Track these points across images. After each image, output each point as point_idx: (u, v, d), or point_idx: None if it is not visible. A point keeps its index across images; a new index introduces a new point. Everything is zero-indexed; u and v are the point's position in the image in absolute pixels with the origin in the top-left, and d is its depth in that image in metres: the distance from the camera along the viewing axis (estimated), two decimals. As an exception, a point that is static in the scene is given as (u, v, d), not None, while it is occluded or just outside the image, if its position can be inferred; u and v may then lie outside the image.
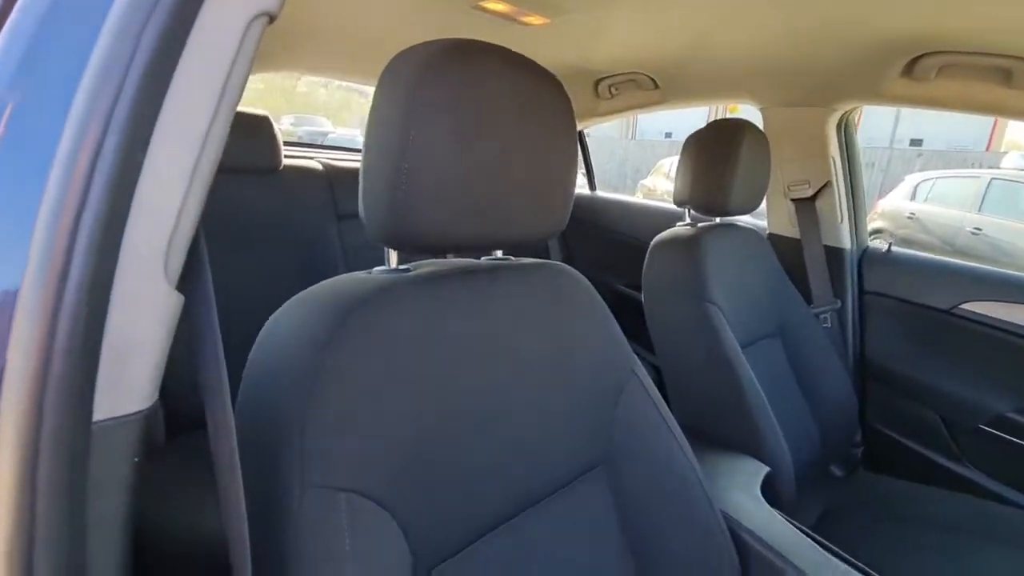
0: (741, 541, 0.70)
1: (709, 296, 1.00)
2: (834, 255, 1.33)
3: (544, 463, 0.59)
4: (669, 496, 0.66)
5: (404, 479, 0.46)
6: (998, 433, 1.14)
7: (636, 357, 0.69)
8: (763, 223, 1.48)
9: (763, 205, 1.18)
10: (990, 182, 5.71)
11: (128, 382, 0.27)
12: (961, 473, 1.19)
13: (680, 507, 0.66)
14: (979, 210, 5.62)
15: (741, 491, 0.80)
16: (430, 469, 0.48)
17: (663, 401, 0.69)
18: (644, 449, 0.66)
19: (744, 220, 1.31)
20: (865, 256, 1.35)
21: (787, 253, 1.33)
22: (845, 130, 1.30)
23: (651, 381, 0.69)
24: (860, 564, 0.66)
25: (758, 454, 0.93)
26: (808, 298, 1.34)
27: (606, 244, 1.89)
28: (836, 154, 1.27)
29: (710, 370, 1.00)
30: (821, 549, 0.68)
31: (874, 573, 0.67)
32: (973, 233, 5.50)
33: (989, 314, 1.14)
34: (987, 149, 9.85)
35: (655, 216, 1.72)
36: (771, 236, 1.44)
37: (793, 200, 1.36)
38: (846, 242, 1.33)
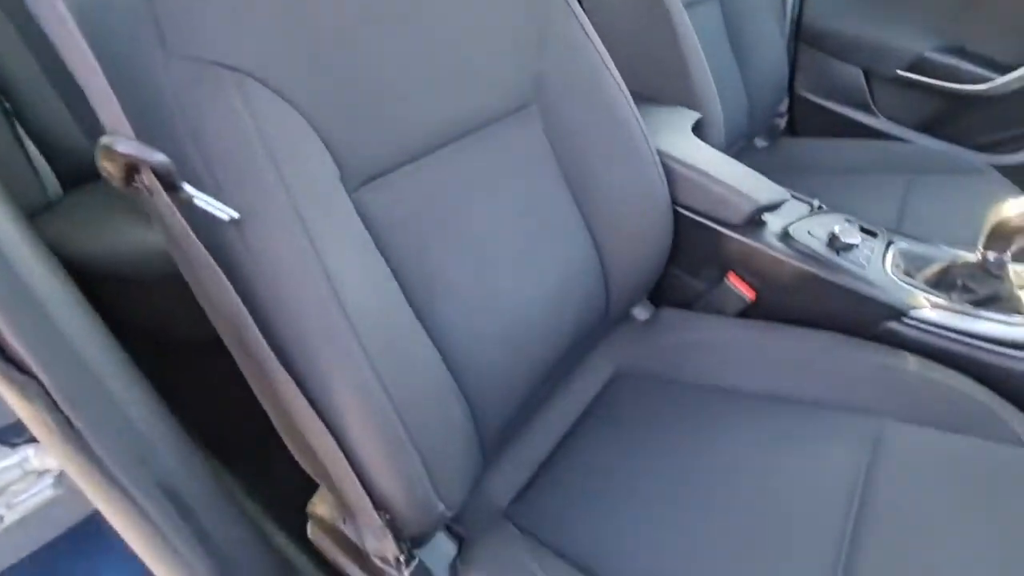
0: (670, 169, 0.73)
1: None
2: None
3: (472, 91, 0.55)
4: (608, 135, 0.65)
5: (314, 78, 0.41)
6: (914, 76, 1.18)
7: None
8: None
9: None
10: None
11: None
12: (874, 126, 1.27)
13: (619, 147, 0.66)
14: None
15: (674, 131, 0.81)
16: (345, 71, 0.43)
17: (601, 43, 0.64)
18: (582, 90, 0.63)
19: None
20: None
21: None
22: None
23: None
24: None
25: (692, 107, 0.93)
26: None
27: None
28: None
29: (650, 28, 0.92)
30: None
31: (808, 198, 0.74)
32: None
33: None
34: None
35: None
36: None
37: None
38: None
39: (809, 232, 0.71)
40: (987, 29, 1.09)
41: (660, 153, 0.72)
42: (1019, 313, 0.61)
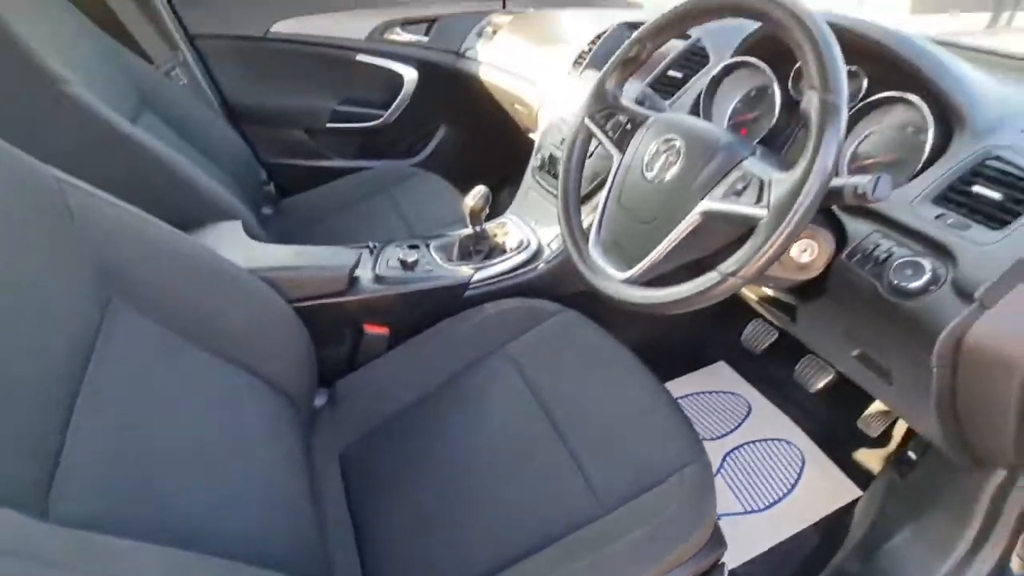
0: (269, 278, 0.79)
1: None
2: (144, 3, 1.21)
3: None
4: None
5: None
6: (340, 125, 1.55)
7: None
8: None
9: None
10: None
11: None
12: (335, 166, 1.60)
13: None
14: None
15: (237, 244, 0.86)
16: None
17: None
18: None
19: None
20: (172, -3, 1.29)
21: (91, 8, 1.10)
22: None
23: None
24: None
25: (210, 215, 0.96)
26: (148, 59, 1.22)
27: None
28: None
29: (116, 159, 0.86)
30: None
31: (361, 245, 0.93)
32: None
33: (298, 31, 1.38)
34: None
35: None
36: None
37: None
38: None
39: (388, 265, 0.94)
40: (362, 83, 1.54)
41: (252, 272, 0.77)
42: (504, 252, 1.04)
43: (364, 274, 0.92)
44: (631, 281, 0.66)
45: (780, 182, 0.52)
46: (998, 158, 0.54)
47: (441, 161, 1.68)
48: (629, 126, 0.72)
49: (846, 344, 0.70)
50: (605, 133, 0.74)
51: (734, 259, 0.54)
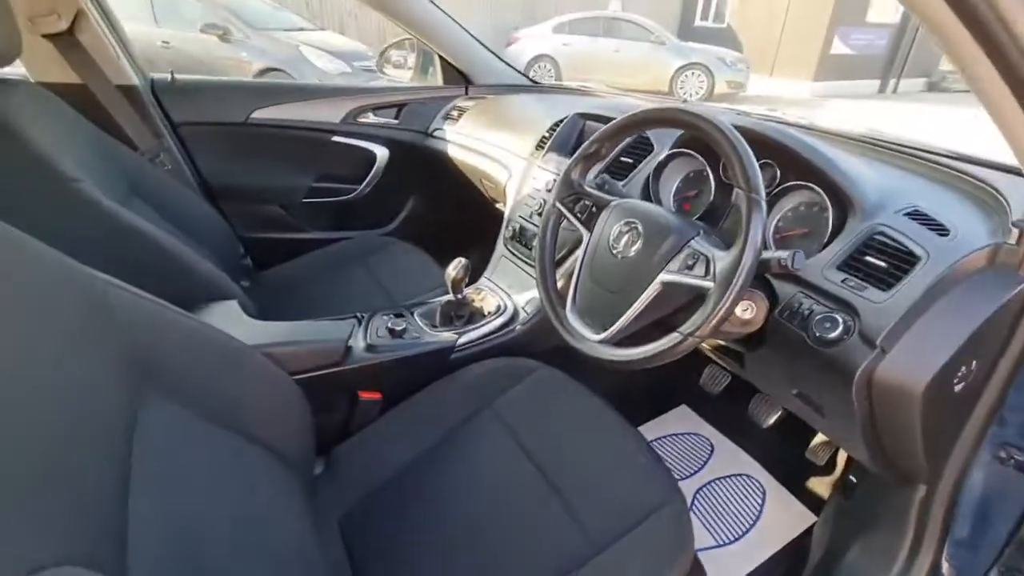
0: (273, 355, 0.85)
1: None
2: (130, 94, 1.28)
3: None
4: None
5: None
6: (313, 200, 1.64)
7: None
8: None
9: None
10: (151, -8, 5.94)
11: None
12: (308, 237, 1.67)
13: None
14: (156, 23, 5.91)
15: (238, 321, 0.91)
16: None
17: None
18: None
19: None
20: (156, 88, 1.37)
21: (79, 102, 1.17)
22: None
23: None
24: None
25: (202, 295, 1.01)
26: (132, 145, 1.29)
27: None
28: (72, -26, 1.12)
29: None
30: None
31: (345, 316, 0.99)
32: (163, 47, 5.83)
33: (274, 116, 1.48)
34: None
35: None
36: (45, 85, 1.19)
37: (48, 37, 1.14)
38: (134, 78, 1.29)
39: (378, 336, 1.02)
40: (336, 161, 1.64)
41: (256, 347, 0.82)
42: (484, 316, 1.14)
43: (356, 344, 0.99)
44: (605, 342, 0.77)
45: (722, 259, 0.65)
46: (882, 234, 0.69)
47: (411, 230, 1.79)
48: (594, 209, 0.85)
49: (786, 384, 0.83)
50: (574, 215, 0.87)
51: (690, 322, 0.66)
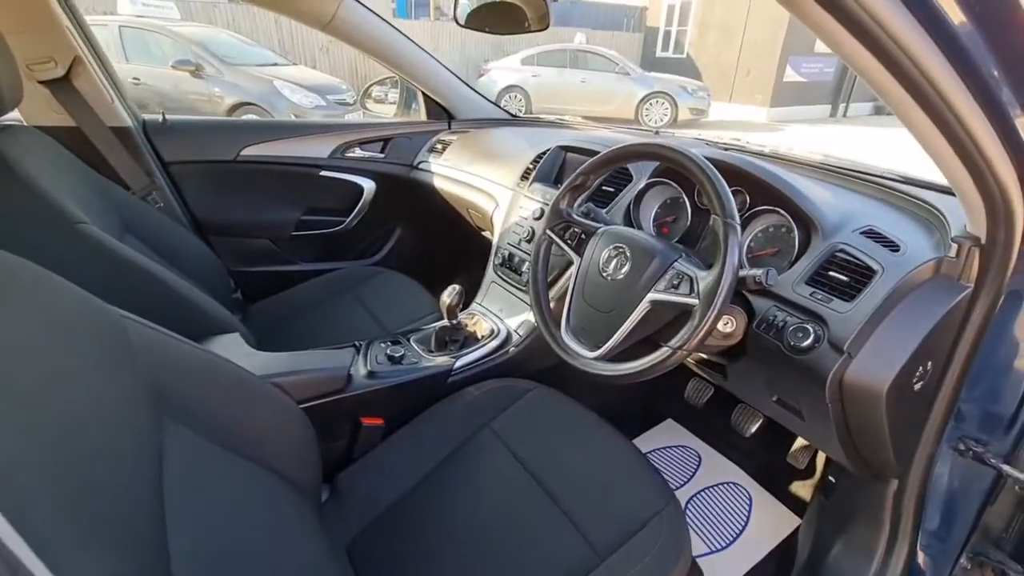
0: (280, 383, 0.88)
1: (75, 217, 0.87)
2: (123, 135, 1.31)
3: None
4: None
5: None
6: (303, 232, 1.67)
7: None
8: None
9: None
10: (120, 29, 5.95)
11: None
12: (296, 270, 1.70)
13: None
14: (126, 59, 5.90)
15: (246, 353, 0.93)
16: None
17: None
18: None
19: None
20: (148, 129, 1.40)
21: (73, 145, 1.20)
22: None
23: None
24: None
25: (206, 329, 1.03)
26: (124, 185, 1.31)
27: None
28: (70, 23, 1.15)
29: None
30: None
31: (346, 344, 1.03)
32: (134, 83, 5.81)
33: (264, 153, 1.53)
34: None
35: None
36: (41, 128, 1.21)
37: (44, 83, 1.17)
38: (127, 120, 1.32)
39: (378, 363, 1.05)
40: (325, 195, 1.69)
41: (265, 378, 0.85)
42: (478, 340, 1.19)
43: (358, 371, 1.02)
44: (600, 358, 0.83)
45: (704, 278, 0.72)
46: (842, 251, 0.78)
47: (399, 259, 1.84)
48: (583, 235, 0.92)
49: (766, 392, 0.89)
50: (564, 241, 0.94)
51: (678, 337, 0.72)
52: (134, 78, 5.80)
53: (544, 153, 1.35)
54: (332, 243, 1.76)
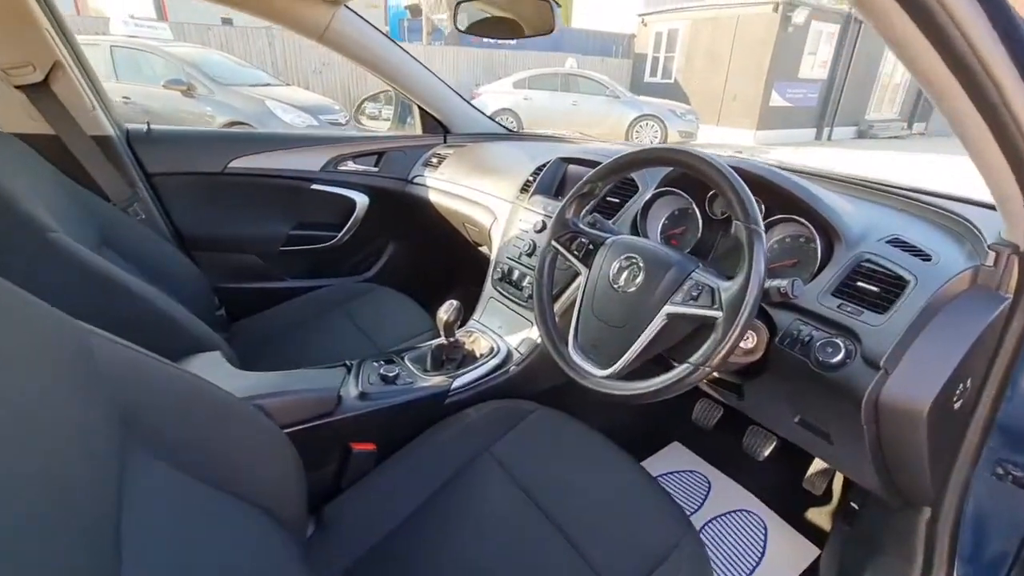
0: (265, 407, 0.81)
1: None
2: (105, 145, 1.25)
3: None
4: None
5: None
6: (292, 248, 1.61)
7: None
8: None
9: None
10: (111, 49, 5.94)
11: None
12: (285, 287, 1.63)
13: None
14: (117, 79, 5.88)
15: (221, 370, 0.86)
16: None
17: None
18: None
19: None
20: (131, 139, 1.34)
21: (51, 153, 1.14)
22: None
23: None
24: None
25: (193, 346, 0.96)
26: (104, 196, 1.25)
27: None
28: (51, 27, 1.10)
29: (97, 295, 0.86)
30: None
31: (337, 363, 0.96)
32: (124, 102, 5.77)
33: (253, 165, 1.47)
34: (78, 13, 9.73)
35: None
36: (18, 136, 1.15)
37: (21, 88, 1.11)
38: (109, 128, 1.26)
39: (370, 383, 0.98)
40: (316, 209, 1.63)
41: (245, 399, 0.78)
42: (477, 359, 1.12)
43: (348, 392, 0.95)
44: (613, 376, 0.77)
45: (727, 288, 0.66)
46: (869, 261, 0.73)
47: (392, 275, 1.77)
48: (591, 246, 0.87)
49: (789, 412, 0.84)
50: (571, 253, 0.88)
51: (700, 353, 0.66)
52: (124, 97, 5.77)
53: (544, 165, 1.31)
54: (323, 259, 1.69)
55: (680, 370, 0.68)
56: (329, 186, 1.61)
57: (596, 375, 0.78)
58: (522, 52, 11.77)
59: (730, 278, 0.69)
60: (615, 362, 0.77)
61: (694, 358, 0.66)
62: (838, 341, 0.69)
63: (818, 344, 0.70)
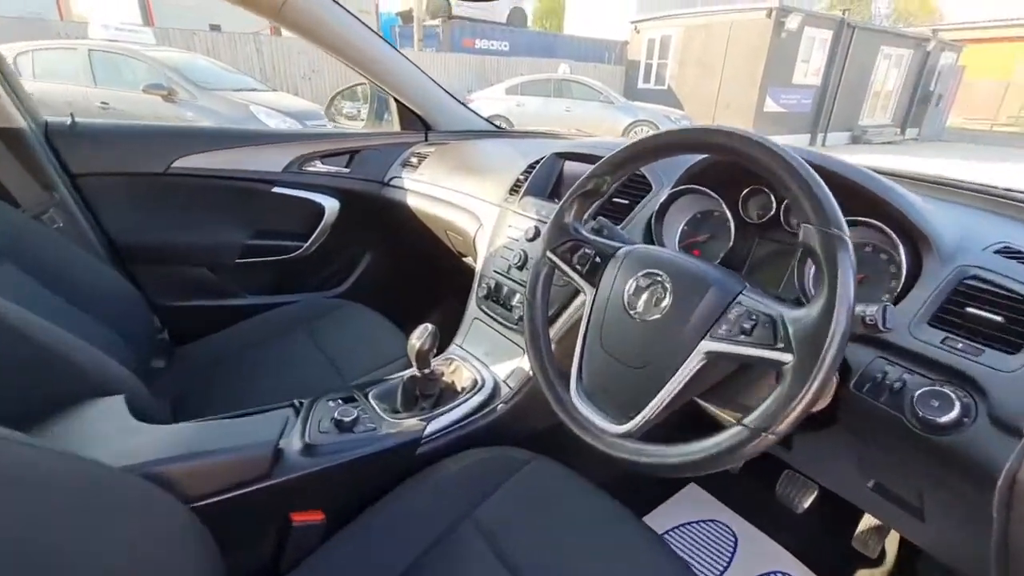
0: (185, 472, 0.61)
1: None
2: (14, 140, 1.05)
3: None
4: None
5: None
6: (249, 260, 1.40)
7: None
8: None
9: None
10: (89, 53, 5.73)
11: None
12: (239, 304, 1.42)
13: None
14: (95, 84, 5.67)
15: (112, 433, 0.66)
16: None
17: None
18: None
19: None
20: (51, 133, 1.14)
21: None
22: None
23: None
24: None
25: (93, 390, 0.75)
26: (13, 202, 1.04)
27: None
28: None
29: None
30: None
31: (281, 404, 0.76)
32: (102, 107, 5.56)
33: (202, 165, 1.27)
34: (61, 18, 9.51)
35: None
36: None
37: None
38: (20, 120, 1.06)
39: (321, 431, 0.78)
40: (277, 216, 1.43)
41: (136, 470, 0.58)
42: (457, 394, 0.92)
43: (290, 445, 0.75)
44: (631, 435, 0.57)
45: (798, 320, 0.47)
46: (976, 277, 0.54)
47: (367, 291, 1.57)
48: (598, 259, 0.67)
49: (859, 475, 0.64)
50: (572, 266, 0.69)
51: (761, 412, 0.47)
52: (102, 102, 5.55)
53: (537, 162, 1.12)
54: (286, 272, 1.49)
55: (732, 435, 0.48)
56: (293, 189, 1.41)
57: (609, 432, 0.59)
58: (515, 59, 11.68)
59: (794, 302, 0.50)
60: (633, 414, 0.57)
61: (751, 419, 0.47)
62: (947, 391, 0.49)
63: (917, 395, 0.51)
